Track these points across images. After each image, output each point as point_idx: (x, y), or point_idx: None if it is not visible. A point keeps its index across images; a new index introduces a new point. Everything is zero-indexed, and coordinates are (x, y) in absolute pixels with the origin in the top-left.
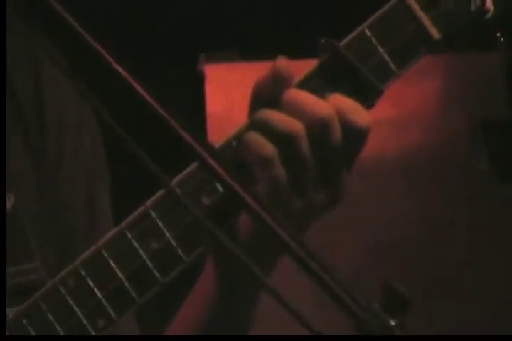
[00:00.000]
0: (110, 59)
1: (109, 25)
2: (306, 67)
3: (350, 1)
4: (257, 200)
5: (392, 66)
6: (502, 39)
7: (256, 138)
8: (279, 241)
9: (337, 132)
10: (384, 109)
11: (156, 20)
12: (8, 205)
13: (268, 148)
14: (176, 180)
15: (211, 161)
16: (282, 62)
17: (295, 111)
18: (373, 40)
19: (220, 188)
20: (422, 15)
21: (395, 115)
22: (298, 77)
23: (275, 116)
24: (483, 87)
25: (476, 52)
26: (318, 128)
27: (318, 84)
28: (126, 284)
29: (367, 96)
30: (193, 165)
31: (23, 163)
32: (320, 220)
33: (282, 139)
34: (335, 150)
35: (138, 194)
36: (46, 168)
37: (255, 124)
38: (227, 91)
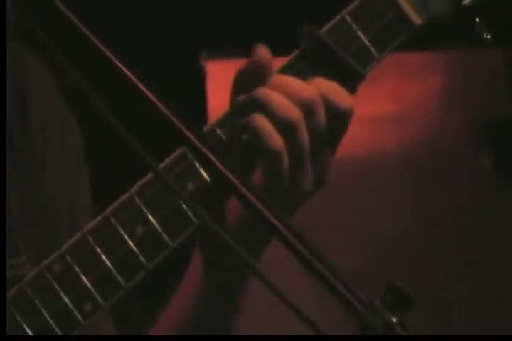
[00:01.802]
0: (111, 54)
1: (111, 20)
2: None
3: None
4: (245, 184)
5: (373, 51)
6: (480, 22)
7: (266, 127)
8: (268, 225)
9: (321, 114)
10: (385, 105)
11: (159, 16)
12: None
13: (278, 140)
14: (161, 165)
15: (198, 146)
16: (262, 50)
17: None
18: (354, 26)
19: (204, 173)
20: (402, 0)
21: (396, 112)
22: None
23: (275, 104)
24: (484, 84)
25: (476, 49)
26: (303, 111)
27: (300, 70)
28: (113, 269)
29: (348, 80)
30: (178, 151)
31: (6, 165)
32: (320, 218)
33: (285, 128)
34: (319, 132)
35: (123, 181)
36: (30, 171)
37: (255, 108)
38: (228, 87)
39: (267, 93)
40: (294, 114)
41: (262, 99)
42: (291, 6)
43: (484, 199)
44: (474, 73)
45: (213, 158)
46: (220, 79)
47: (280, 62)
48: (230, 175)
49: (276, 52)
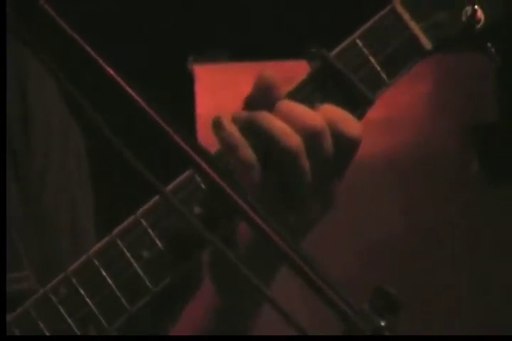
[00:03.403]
0: (100, 60)
1: (99, 25)
2: (295, 68)
3: (340, 4)
4: (252, 207)
5: (384, 76)
6: (492, 47)
7: (245, 158)
8: (270, 243)
9: (328, 142)
10: (374, 110)
11: (146, 20)
12: None
13: (256, 170)
14: (169, 187)
15: (207, 169)
16: (267, 76)
17: (286, 122)
18: (364, 50)
19: (212, 196)
20: (413, 25)
21: (385, 116)
22: (289, 87)
23: (277, 129)
24: (472, 89)
25: (466, 54)
26: (309, 139)
27: (309, 93)
28: (118, 292)
29: (358, 106)
30: (186, 173)
31: (7, 178)
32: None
33: (284, 156)
34: (326, 160)
35: (130, 203)
36: (30, 178)
37: (255, 133)
38: (217, 92)
39: (268, 118)
40: (294, 141)
41: (261, 126)
42: (280, 10)
43: (473, 203)
44: (462, 78)
45: (220, 182)
46: (208, 84)
47: (271, 66)
48: (235, 198)
49: (267, 56)
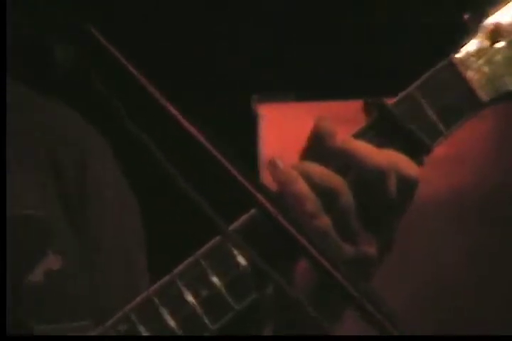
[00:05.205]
0: (162, 98)
1: (163, 63)
2: (359, 108)
3: (401, 49)
4: (313, 244)
5: (441, 126)
6: None
7: (299, 190)
8: (332, 282)
9: (393, 182)
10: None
11: (213, 60)
12: (57, 266)
13: (311, 202)
14: (232, 226)
15: (270, 208)
16: (323, 123)
17: (355, 161)
18: (422, 101)
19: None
20: (470, 77)
21: (447, 153)
22: (351, 127)
23: (316, 171)
24: None
25: None
26: (375, 179)
27: (368, 141)
28: (177, 331)
29: (416, 153)
30: (249, 213)
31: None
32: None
33: (324, 192)
34: (389, 201)
35: (190, 242)
36: (88, 242)
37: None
38: (282, 132)
39: (308, 168)
40: (332, 181)
41: (305, 174)
42: (345, 52)
43: None
44: None
45: (284, 221)
46: (272, 124)
47: (335, 106)
48: (301, 238)
49: (328, 96)
